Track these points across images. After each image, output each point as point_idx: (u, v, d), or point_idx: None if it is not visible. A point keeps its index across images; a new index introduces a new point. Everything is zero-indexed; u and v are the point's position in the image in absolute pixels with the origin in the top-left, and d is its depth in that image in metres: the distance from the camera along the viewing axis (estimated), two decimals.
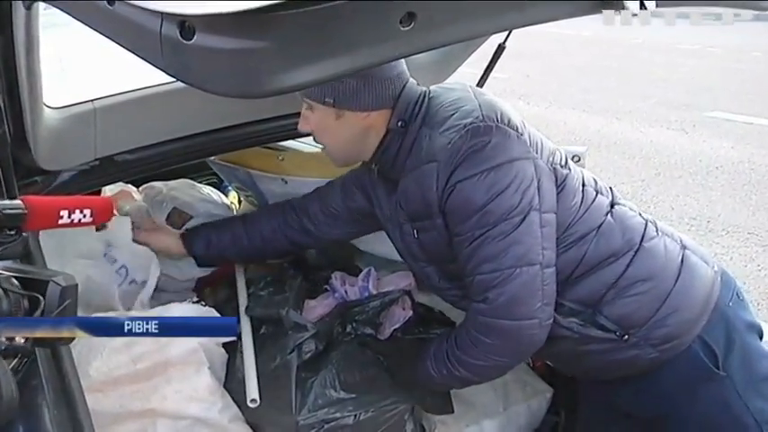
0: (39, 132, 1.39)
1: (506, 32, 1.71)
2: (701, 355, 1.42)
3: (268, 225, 1.71)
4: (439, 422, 1.59)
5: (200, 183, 2.28)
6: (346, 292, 1.73)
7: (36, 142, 1.40)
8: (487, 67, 1.88)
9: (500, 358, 1.39)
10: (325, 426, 1.40)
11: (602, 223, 1.42)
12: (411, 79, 1.45)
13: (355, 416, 1.42)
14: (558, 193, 1.38)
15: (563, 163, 1.43)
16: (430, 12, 0.71)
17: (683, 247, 1.48)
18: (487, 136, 1.31)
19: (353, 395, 1.46)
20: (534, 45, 9.01)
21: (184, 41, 0.67)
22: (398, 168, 1.44)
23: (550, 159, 1.39)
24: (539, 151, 1.37)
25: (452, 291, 1.51)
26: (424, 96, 1.43)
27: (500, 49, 1.81)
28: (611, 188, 1.53)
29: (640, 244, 1.43)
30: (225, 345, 1.58)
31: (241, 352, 1.54)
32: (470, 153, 1.30)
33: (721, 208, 4.65)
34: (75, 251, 1.64)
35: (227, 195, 2.40)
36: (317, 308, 1.68)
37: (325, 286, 1.76)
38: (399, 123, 1.41)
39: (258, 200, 2.13)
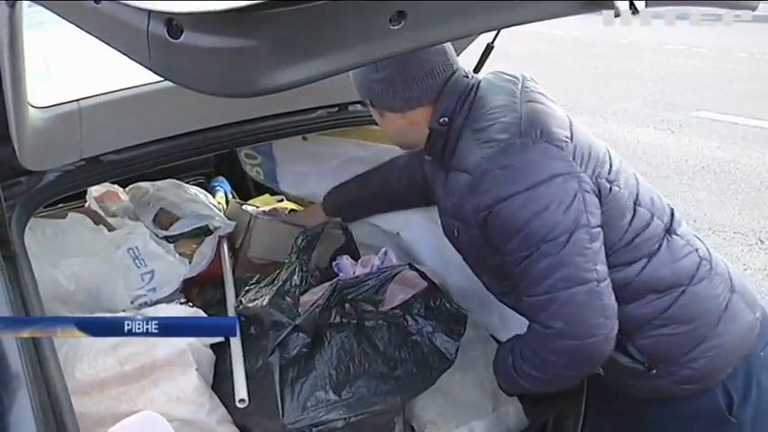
0: (23, 132, 1.37)
1: (495, 32, 1.71)
2: (719, 397, 1.41)
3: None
4: (429, 423, 1.59)
5: (187, 183, 2.28)
6: (354, 272, 1.66)
7: (20, 142, 1.39)
8: (476, 66, 1.88)
9: (565, 372, 1.35)
10: (314, 430, 1.38)
11: (651, 254, 1.35)
12: (459, 71, 1.40)
13: (345, 419, 1.40)
14: (603, 212, 1.30)
15: (612, 177, 1.33)
16: (420, 10, 0.71)
17: (732, 291, 1.42)
18: (524, 153, 1.26)
19: (344, 398, 1.43)
20: (523, 45, 9.02)
21: (172, 40, 0.66)
22: (447, 162, 1.41)
23: (597, 172, 1.31)
24: (584, 164, 1.29)
25: (493, 288, 1.51)
26: (470, 92, 1.38)
27: (488, 48, 1.81)
28: (671, 209, 1.43)
29: (688, 285, 1.36)
30: (213, 346, 1.57)
31: (229, 353, 1.52)
32: (506, 172, 1.25)
33: (708, 207, 4.67)
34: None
35: (214, 196, 2.39)
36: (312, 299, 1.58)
37: (335, 263, 1.72)
38: (441, 120, 1.37)
39: (263, 168, 2.18)
